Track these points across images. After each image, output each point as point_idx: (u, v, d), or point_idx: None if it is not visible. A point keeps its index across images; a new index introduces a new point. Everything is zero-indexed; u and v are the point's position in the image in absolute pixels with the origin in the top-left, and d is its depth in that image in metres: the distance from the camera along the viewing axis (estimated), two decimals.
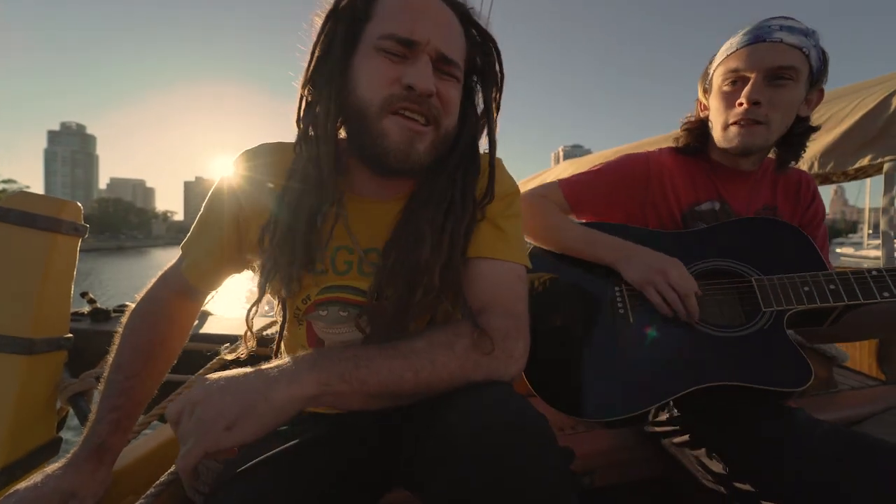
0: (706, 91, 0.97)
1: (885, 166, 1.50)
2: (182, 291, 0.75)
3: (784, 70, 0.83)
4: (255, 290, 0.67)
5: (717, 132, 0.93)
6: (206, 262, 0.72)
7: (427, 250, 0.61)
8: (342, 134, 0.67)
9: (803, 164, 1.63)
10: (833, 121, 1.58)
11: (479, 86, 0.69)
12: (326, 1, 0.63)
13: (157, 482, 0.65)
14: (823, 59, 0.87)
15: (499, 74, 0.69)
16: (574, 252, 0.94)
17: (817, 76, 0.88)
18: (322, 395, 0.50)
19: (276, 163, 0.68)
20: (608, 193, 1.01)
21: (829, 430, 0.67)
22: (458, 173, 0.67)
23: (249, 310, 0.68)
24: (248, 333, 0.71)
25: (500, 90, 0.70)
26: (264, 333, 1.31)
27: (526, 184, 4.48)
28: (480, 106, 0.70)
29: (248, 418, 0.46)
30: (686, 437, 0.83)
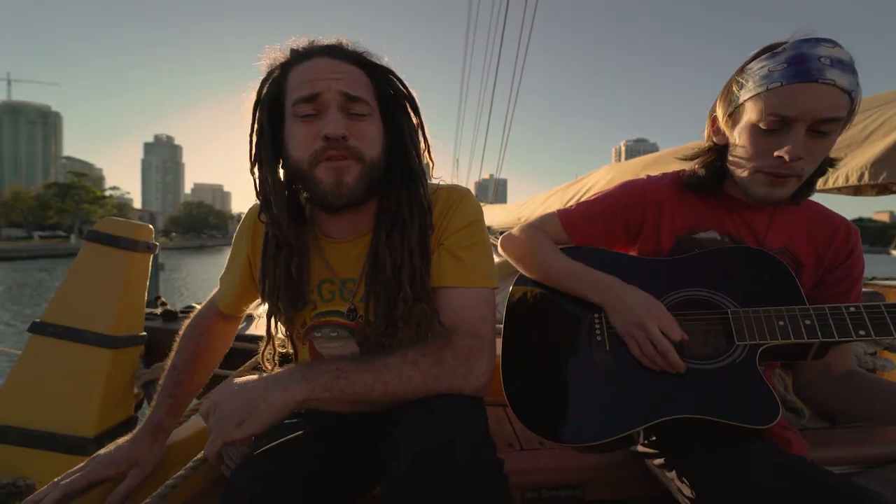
0: (730, 116, 0.84)
1: None
2: (222, 314, 0.94)
3: (831, 122, 0.73)
4: (264, 332, 0.85)
5: (739, 173, 0.84)
6: (231, 294, 0.91)
7: (389, 269, 0.73)
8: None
9: (852, 176, 1.51)
10: (887, 126, 1.45)
11: (395, 108, 0.78)
12: (252, 92, 0.75)
13: (195, 458, 0.81)
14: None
15: (405, 94, 0.78)
16: (562, 288, 0.94)
17: (850, 117, 0.77)
18: (308, 399, 0.62)
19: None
20: (605, 221, 1.00)
21: (781, 464, 0.66)
22: (401, 192, 0.76)
23: (263, 350, 0.86)
24: (266, 364, 0.87)
25: (414, 110, 0.78)
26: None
27: (569, 187, 4.36)
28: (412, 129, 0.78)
29: (252, 416, 0.59)
30: (663, 460, 0.86)
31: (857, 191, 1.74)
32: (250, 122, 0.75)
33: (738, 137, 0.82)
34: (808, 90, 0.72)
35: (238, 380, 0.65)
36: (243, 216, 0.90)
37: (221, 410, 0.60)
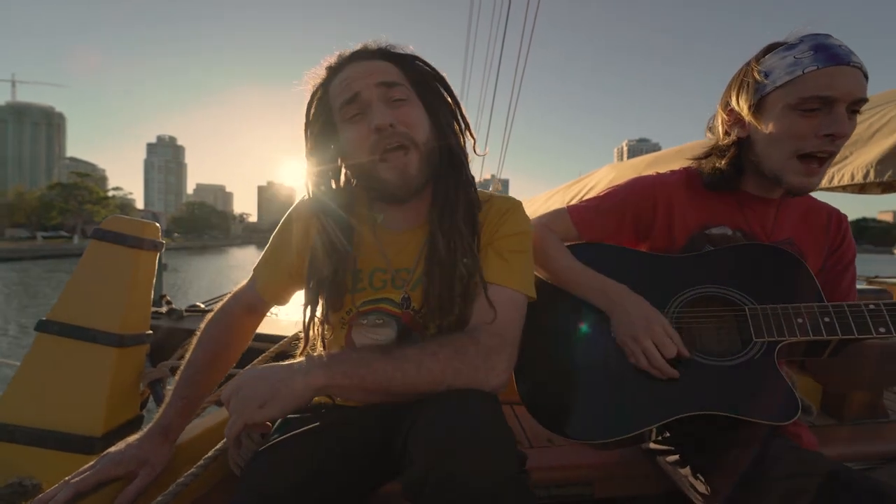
0: (756, 107, 0.84)
1: None
2: (249, 307, 0.93)
3: (862, 102, 0.77)
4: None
5: (776, 161, 0.82)
6: (278, 282, 0.90)
7: (444, 250, 0.75)
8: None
9: (858, 174, 1.50)
10: (893, 124, 1.44)
11: (428, 92, 0.82)
12: (301, 109, 0.82)
13: (206, 456, 0.81)
14: None
15: (433, 75, 0.82)
16: (569, 290, 0.94)
17: None
18: (328, 386, 0.64)
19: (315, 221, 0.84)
20: (615, 217, 1.00)
21: (800, 460, 0.66)
22: (449, 178, 0.81)
23: (304, 347, 0.86)
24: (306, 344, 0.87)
25: (447, 89, 0.83)
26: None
27: (571, 186, 4.36)
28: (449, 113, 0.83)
29: (274, 400, 0.61)
30: (677, 457, 0.85)
31: (862, 189, 1.74)
32: (304, 141, 0.81)
33: (772, 125, 0.81)
34: (843, 72, 0.75)
35: (261, 366, 0.66)
36: (293, 208, 0.89)
37: (244, 393, 0.61)
